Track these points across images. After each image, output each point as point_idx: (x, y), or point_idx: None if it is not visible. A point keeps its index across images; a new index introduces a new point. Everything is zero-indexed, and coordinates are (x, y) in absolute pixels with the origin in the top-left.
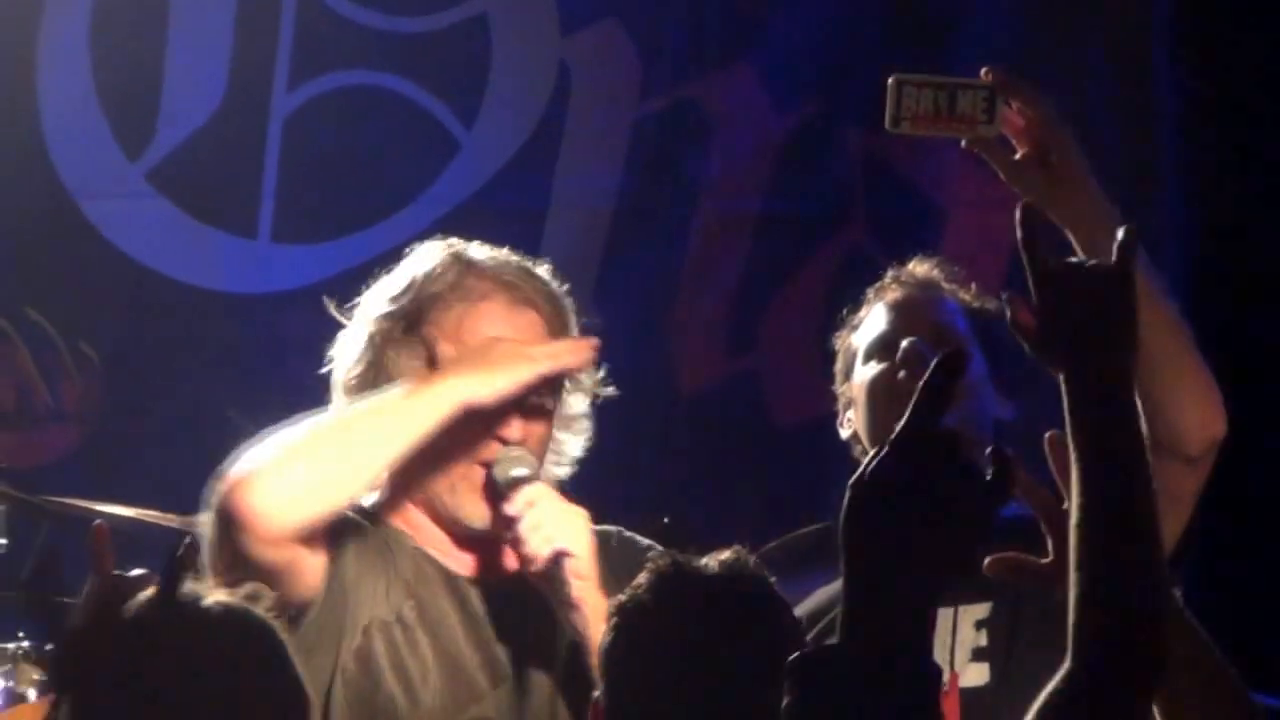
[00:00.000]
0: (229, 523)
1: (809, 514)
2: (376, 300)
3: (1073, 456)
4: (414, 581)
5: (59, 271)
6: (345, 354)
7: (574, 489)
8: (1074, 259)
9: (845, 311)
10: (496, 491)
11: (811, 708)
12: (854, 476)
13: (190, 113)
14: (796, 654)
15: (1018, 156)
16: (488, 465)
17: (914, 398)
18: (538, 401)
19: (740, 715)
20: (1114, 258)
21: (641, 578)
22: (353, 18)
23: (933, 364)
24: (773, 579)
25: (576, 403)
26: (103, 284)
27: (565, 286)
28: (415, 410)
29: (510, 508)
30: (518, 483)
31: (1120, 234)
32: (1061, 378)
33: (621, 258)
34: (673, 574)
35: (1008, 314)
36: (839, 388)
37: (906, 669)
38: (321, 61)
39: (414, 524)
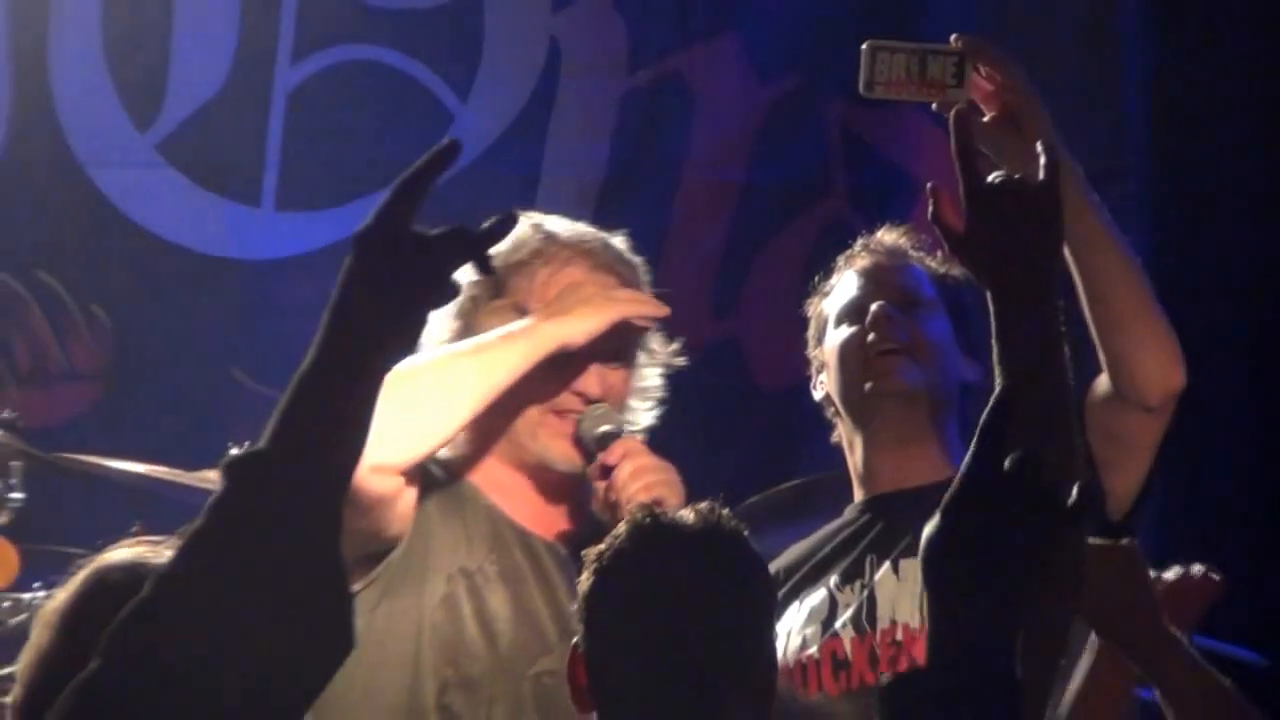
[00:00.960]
0: None
1: (788, 472)
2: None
3: (996, 360)
4: (490, 535)
5: (71, 238)
6: (434, 320)
7: None
8: (1004, 175)
9: (817, 278)
10: (581, 443)
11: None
12: (933, 525)
13: (197, 86)
14: (889, 676)
15: (986, 119)
16: (564, 413)
17: (974, 442)
18: (617, 364)
19: (711, 662)
20: (1041, 176)
21: (621, 527)
22: None
23: (991, 403)
24: (748, 532)
25: (650, 374)
26: (113, 250)
27: (640, 258)
28: (513, 348)
29: (609, 457)
30: (605, 438)
31: (1044, 155)
32: (986, 288)
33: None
34: (650, 524)
35: (930, 207)
36: (812, 352)
37: (991, 695)
38: (323, 37)
39: (489, 479)
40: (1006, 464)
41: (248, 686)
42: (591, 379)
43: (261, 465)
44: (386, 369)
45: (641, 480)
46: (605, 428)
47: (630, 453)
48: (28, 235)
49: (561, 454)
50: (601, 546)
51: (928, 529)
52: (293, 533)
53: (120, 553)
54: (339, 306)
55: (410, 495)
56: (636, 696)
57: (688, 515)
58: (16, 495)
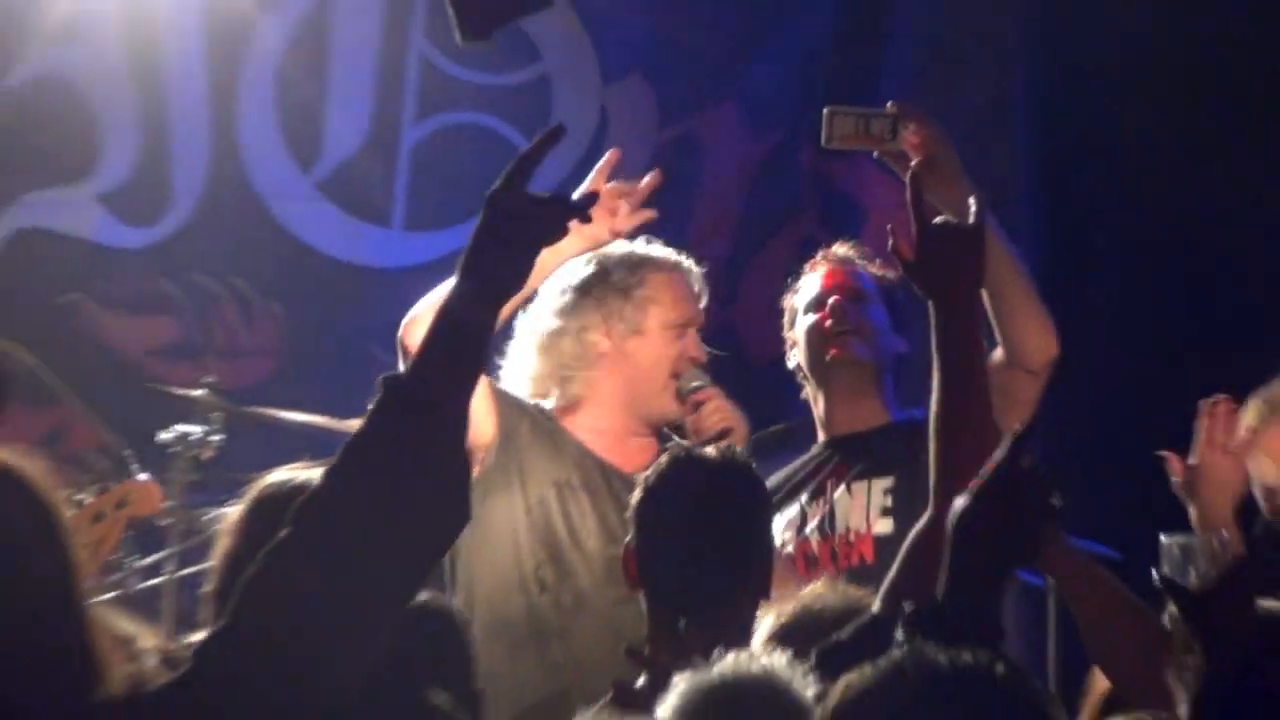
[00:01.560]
0: (404, 354)
1: (773, 420)
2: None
3: (934, 352)
4: (577, 460)
5: (253, 252)
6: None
7: None
8: (945, 218)
9: (790, 280)
10: (680, 394)
11: (920, 642)
12: (966, 500)
13: (345, 141)
14: (913, 605)
15: (913, 163)
16: (678, 375)
17: (1002, 454)
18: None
19: (726, 552)
20: (970, 220)
21: (663, 458)
22: (457, 74)
23: (1010, 442)
24: (752, 460)
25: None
26: (284, 260)
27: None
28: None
29: (699, 397)
30: (696, 390)
31: (973, 203)
32: (930, 301)
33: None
34: (684, 456)
35: (890, 241)
36: (787, 333)
37: (987, 627)
38: (435, 105)
39: (582, 426)
40: (1023, 471)
41: (395, 545)
42: (696, 348)
43: (412, 376)
44: (504, 299)
45: (718, 415)
46: (695, 383)
47: (711, 396)
48: (223, 250)
49: (675, 407)
50: (649, 472)
51: (960, 501)
52: (435, 429)
53: (280, 473)
54: (472, 251)
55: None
56: (672, 579)
57: (710, 450)
58: (217, 437)
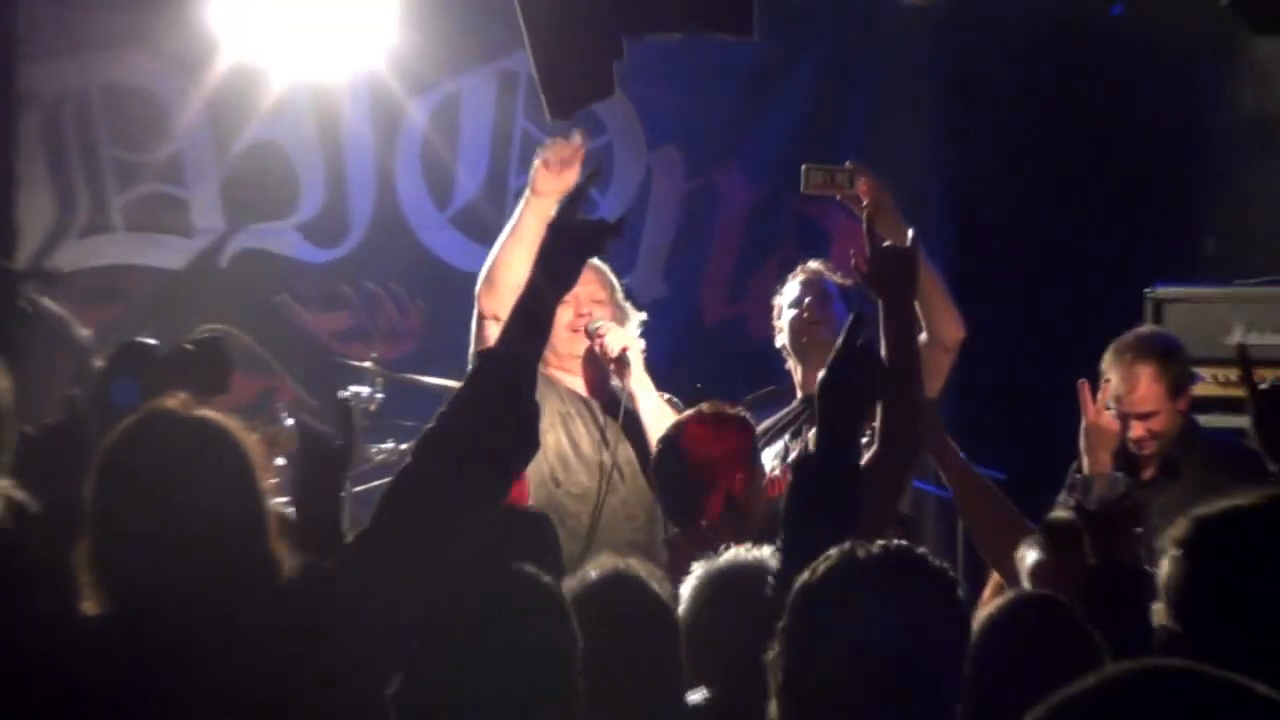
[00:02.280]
0: (479, 302)
1: (765, 383)
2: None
3: (882, 334)
4: (568, 399)
5: (405, 265)
6: None
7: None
8: (890, 243)
9: (778, 285)
10: (587, 332)
11: (802, 481)
12: (824, 373)
13: (467, 187)
14: (799, 454)
15: (865, 204)
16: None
17: (843, 336)
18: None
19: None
20: (907, 244)
21: (686, 413)
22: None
23: (852, 323)
24: (746, 413)
25: (633, 313)
26: (425, 270)
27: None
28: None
29: (601, 331)
30: (597, 328)
31: (909, 234)
32: (880, 300)
33: (676, 262)
34: (695, 412)
35: (851, 259)
36: (775, 323)
37: (848, 462)
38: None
39: (556, 370)
40: (857, 345)
41: (489, 465)
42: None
43: (501, 352)
44: (565, 291)
45: (614, 339)
46: (597, 323)
47: (608, 331)
48: (383, 264)
49: (575, 345)
50: (670, 423)
51: (820, 374)
52: (519, 381)
53: None
54: (541, 259)
55: None
56: None
57: (707, 407)
58: (379, 396)
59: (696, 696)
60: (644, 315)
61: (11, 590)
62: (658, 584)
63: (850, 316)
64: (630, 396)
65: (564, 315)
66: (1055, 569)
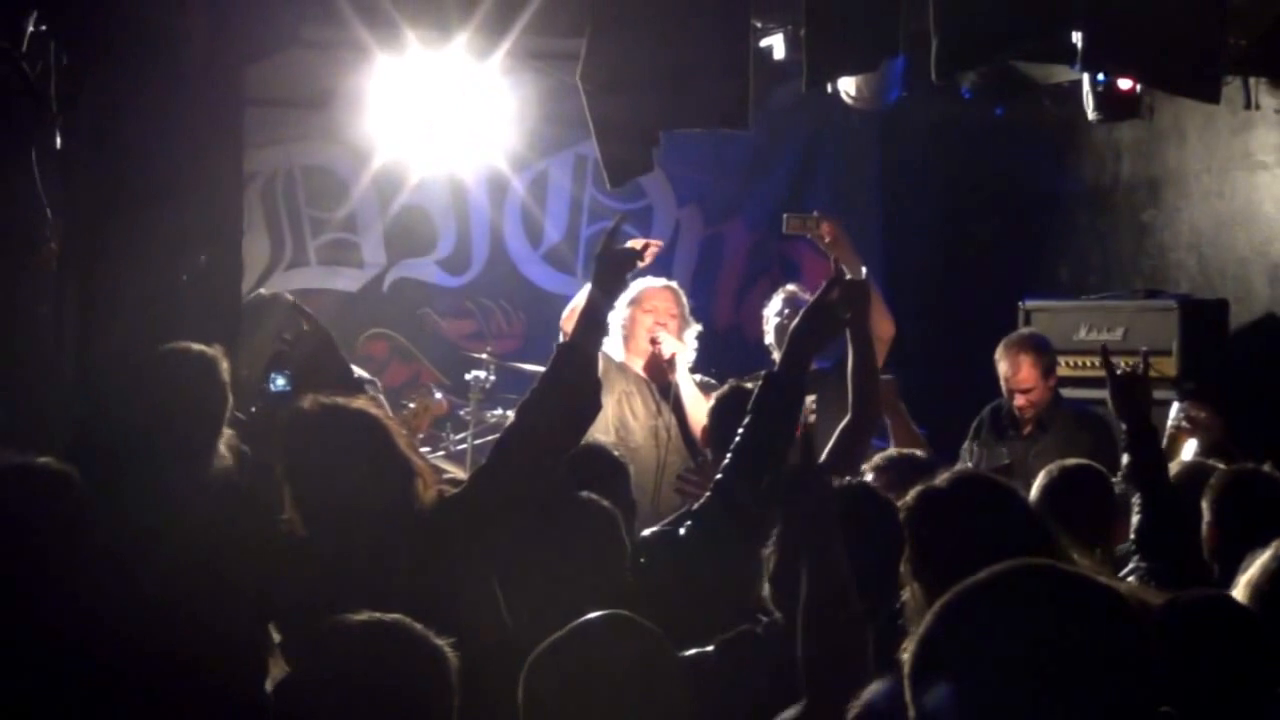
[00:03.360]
0: (562, 331)
1: (760, 369)
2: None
3: (849, 342)
4: (631, 376)
5: (509, 289)
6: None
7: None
8: (850, 277)
9: (768, 301)
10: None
11: (765, 390)
12: (798, 318)
13: (552, 235)
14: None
15: (827, 240)
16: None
17: (821, 290)
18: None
19: (770, 447)
20: (862, 277)
21: (725, 386)
22: (607, 202)
23: (825, 284)
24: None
25: (690, 334)
26: (525, 293)
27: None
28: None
29: (659, 338)
30: (658, 338)
31: (863, 268)
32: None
33: (697, 285)
34: (733, 386)
35: (824, 289)
36: (765, 327)
37: (799, 381)
38: (597, 217)
39: (627, 354)
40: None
41: (567, 420)
42: (654, 322)
43: (571, 344)
44: (613, 300)
45: (667, 345)
46: (657, 334)
47: (663, 339)
48: (495, 287)
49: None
50: (718, 392)
51: (796, 319)
52: (586, 367)
53: (734, 382)
54: (594, 280)
55: None
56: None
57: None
58: (493, 378)
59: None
60: (700, 327)
61: (238, 516)
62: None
63: (825, 284)
64: (676, 385)
65: (646, 321)
66: None
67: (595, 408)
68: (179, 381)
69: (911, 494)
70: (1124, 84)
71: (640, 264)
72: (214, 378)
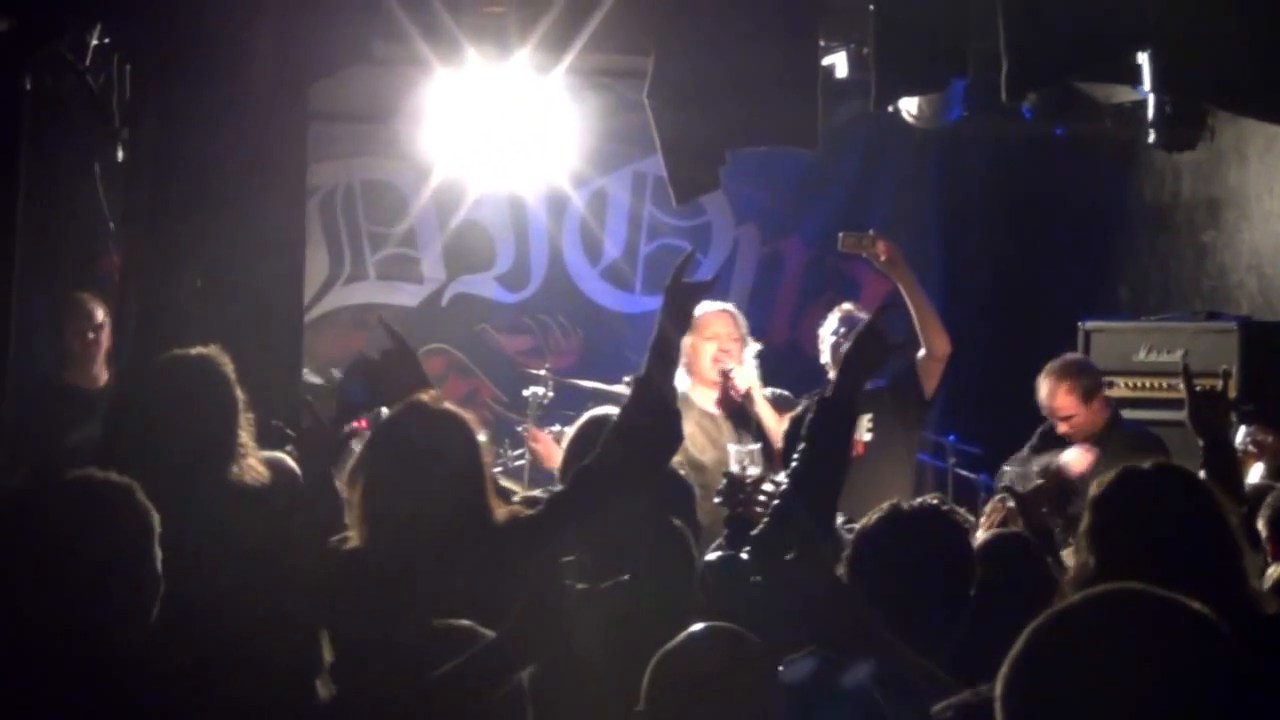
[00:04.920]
0: None
1: (817, 387)
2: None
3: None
4: (698, 410)
5: (568, 305)
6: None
7: None
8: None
9: (822, 319)
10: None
11: (820, 415)
12: (850, 343)
13: (612, 251)
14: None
15: (883, 259)
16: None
17: (869, 319)
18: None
19: (825, 471)
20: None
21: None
22: (667, 220)
23: (875, 313)
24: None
25: (750, 348)
26: (583, 309)
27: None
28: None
29: (727, 368)
30: (731, 372)
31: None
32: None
33: (755, 301)
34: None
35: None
36: (822, 345)
37: (853, 405)
38: (656, 234)
39: (693, 392)
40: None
41: (652, 451)
42: (718, 349)
43: (644, 376)
44: (683, 332)
45: (739, 378)
46: (728, 366)
47: (731, 369)
48: (554, 303)
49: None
50: (798, 405)
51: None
52: (663, 402)
53: (592, 413)
54: (663, 313)
55: None
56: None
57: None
58: (550, 394)
59: None
60: (760, 346)
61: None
62: None
63: (876, 310)
64: (758, 416)
65: (709, 349)
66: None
67: (675, 441)
68: (183, 387)
69: (1116, 471)
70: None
71: (708, 293)
72: (216, 379)
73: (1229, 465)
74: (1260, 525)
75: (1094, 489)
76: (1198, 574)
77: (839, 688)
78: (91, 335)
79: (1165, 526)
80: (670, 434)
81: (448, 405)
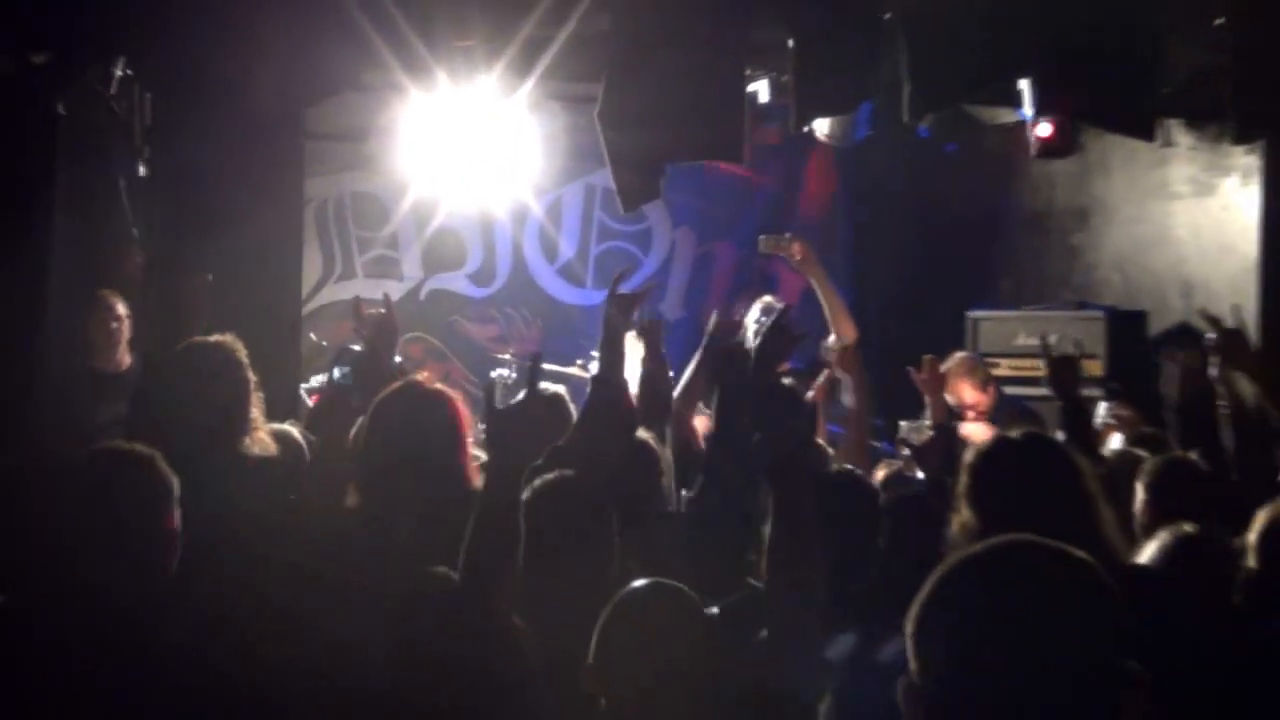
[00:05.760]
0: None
1: None
2: None
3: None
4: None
5: (529, 299)
6: None
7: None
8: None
9: (746, 309)
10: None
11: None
12: (760, 343)
13: (566, 252)
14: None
15: (798, 258)
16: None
17: (771, 319)
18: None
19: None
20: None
21: None
22: (613, 225)
23: (776, 315)
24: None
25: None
26: (542, 303)
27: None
28: None
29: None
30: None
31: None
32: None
33: (690, 296)
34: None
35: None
36: (746, 333)
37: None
38: (605, 237)
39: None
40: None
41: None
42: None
43: (600, 372)
44: (624, 334)
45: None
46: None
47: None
48: (517, 297)
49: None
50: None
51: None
52: (615, 392)
53: (549, 388)
54: (605, 318)
55: None
56: None
57: None
58: (514, 375)
59: None
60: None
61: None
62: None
63: (779, 309)
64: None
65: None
66: None
67: (631, 420)
68: (202, 370)
69: (991, 438)
70: (1051, 128)
71: (645, 302)
72: (231, 363)
73: (1082, 422)
74: (1139, 489)
75: (969, 455)
76: (1058, 526)
77: (877, 661)
78: (115, 325)
79: (1030, 486)
80: (625, 413)
81: (439, 386)
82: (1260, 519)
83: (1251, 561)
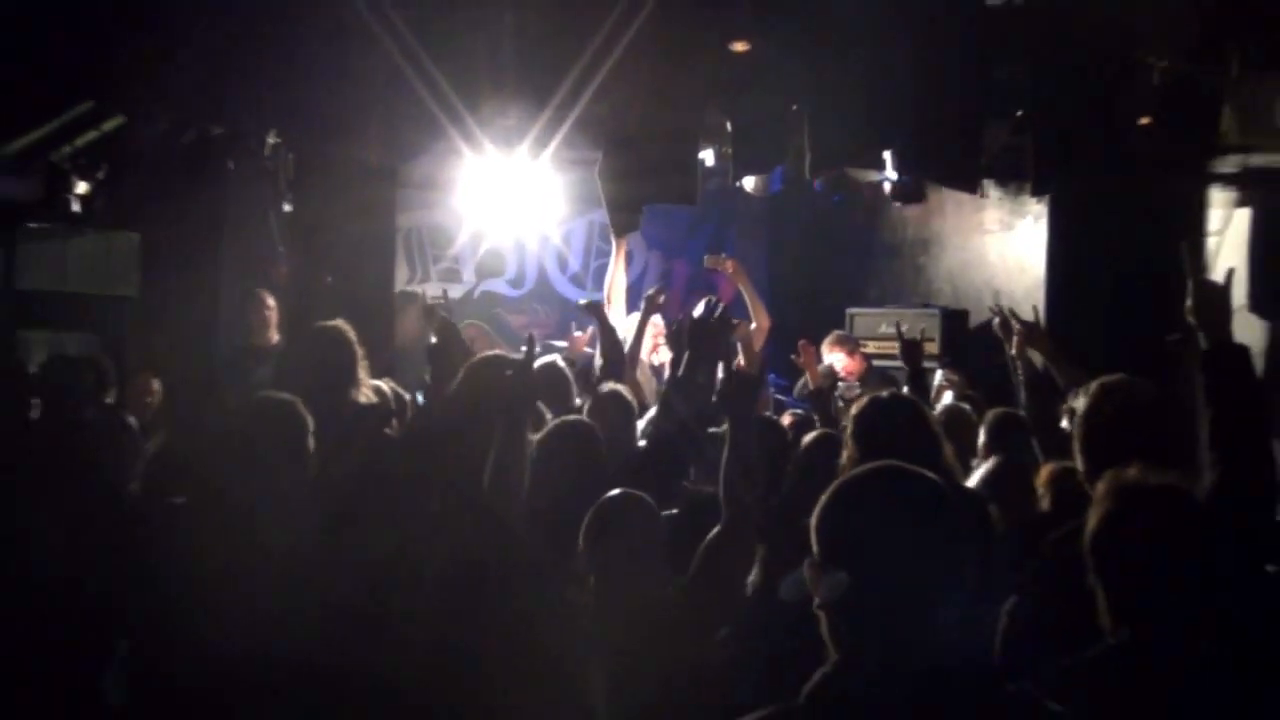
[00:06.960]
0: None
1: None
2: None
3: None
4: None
5: (548, 298)
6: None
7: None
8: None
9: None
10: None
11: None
12: (691, 329)
13: (574, 266)
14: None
15: (731, 272)
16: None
17: (699, 308)
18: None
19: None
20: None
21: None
22: (606, 248)
23: (703, 303)
24: None
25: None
26: (558, 301)
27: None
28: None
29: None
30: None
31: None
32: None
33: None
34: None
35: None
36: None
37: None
38: (600, 254)
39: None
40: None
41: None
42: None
43: (603, 374)
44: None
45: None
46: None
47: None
48: (540, 296)
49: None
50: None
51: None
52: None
53: (545, 358)
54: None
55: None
56: None
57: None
58: (539, 349)
59: None
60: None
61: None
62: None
63: (709, 303)
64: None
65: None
66: None
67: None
68: (323, 343)
69: (869, 397)
70: (905, 183)
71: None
72: (344, 338)
73: (924, 385)
74: (980, 433)
75: (854, 409)
76: (914, 457)
77: (774, 598)
78: (266, 314)
79: (895, 429)
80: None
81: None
82: (1043, 473)
83: (1044, 504)
